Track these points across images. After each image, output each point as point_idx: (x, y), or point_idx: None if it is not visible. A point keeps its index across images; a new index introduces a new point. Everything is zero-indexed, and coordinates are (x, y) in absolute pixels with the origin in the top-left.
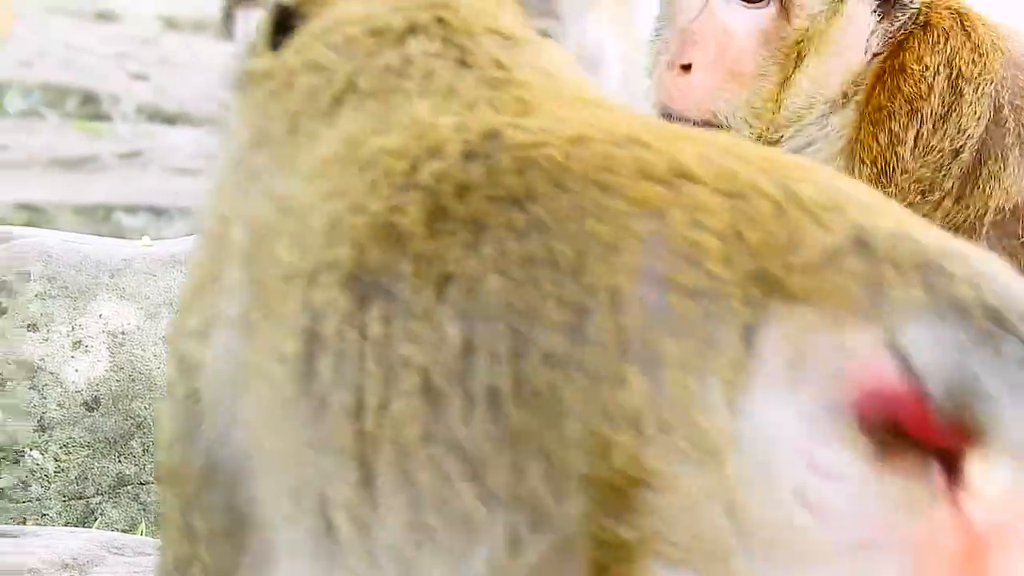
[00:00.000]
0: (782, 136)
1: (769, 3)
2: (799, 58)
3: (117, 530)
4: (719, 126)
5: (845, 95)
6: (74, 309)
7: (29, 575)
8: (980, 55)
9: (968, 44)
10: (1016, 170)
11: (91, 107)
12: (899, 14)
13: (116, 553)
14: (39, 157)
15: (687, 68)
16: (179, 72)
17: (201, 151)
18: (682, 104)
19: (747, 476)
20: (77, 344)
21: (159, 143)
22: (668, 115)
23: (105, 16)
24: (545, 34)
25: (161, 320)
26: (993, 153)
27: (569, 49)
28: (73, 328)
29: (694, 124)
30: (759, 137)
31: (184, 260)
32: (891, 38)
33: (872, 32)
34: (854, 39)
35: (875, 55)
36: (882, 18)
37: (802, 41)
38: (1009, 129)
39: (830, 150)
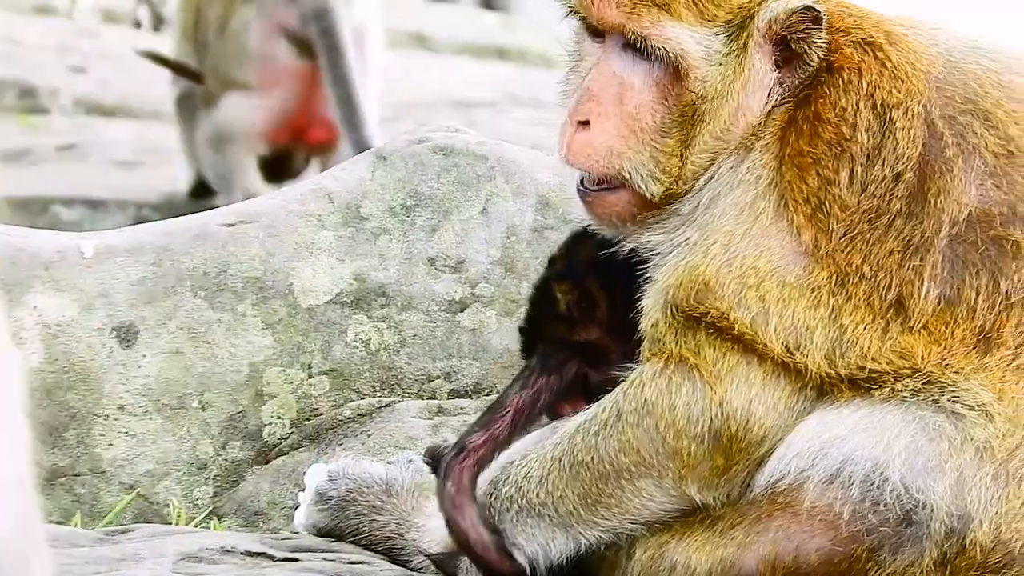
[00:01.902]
0: (691, 188)
1: (660, 59)
2: (697, 116)
3: (51, 522)
4: (623, 181)
5: (747, 144)
6: (9, 301)
7: None
8: (901, 80)
9: (885, 73)
10: (963, 180)
11: (29, 100)
12: (800, 67)
13: (51, 545)
14: None
15: (585, 124)
16: (118, 66)
17: (140, 144)
18: (584, 161)
19: None
20: (13, 336)
21: (97, 136)
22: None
23: (44, 9)
24: (322, 13)
25: (96, 312)
26: (937, 168)
27: (339, 27)
28: (9, 319)
29: (597, 180)
30: (666, 191)
31: (119, 253)
32: (796, 89)
33: (772, 85)
34: (753, 93)
35: (776, 105)
36: (782, 71)
37: (698, 100)
38: (948, 143)
39: (756, 190)
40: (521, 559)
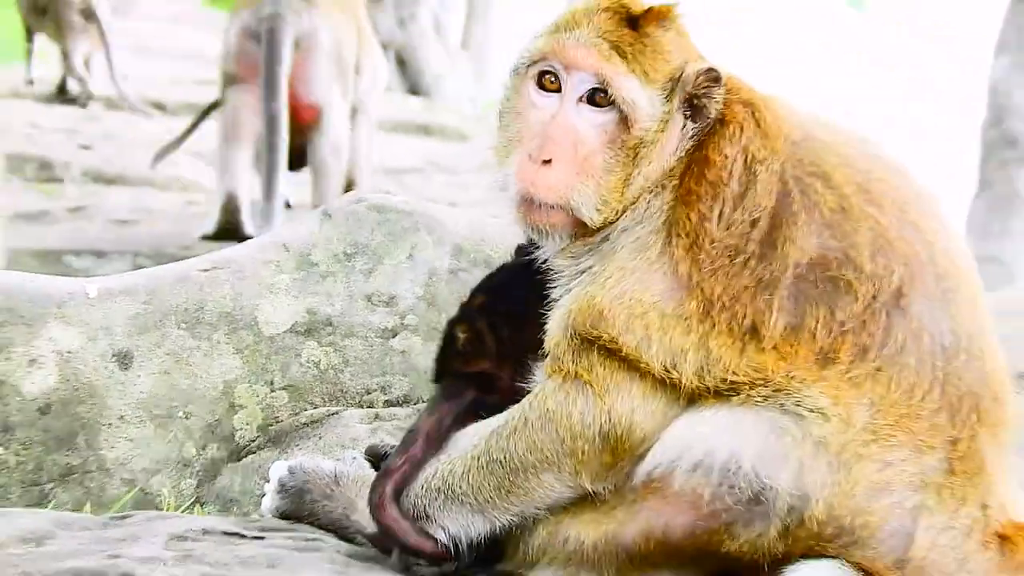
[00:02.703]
0: (620, 217)
1: (611, 111)
2: (636, 159)
3: (67, 510)
4: (572, 209)
5: (663, 183)
6: (29, 333)
7: None
8: (768, 140)
9: (759, 132)
10: (806, 230)
11: (46, 172)
12: (702, 119)
13: (65, 529)
14: (4, 212)
15: (548, 162)
16: (117, 144)
17: (135, 206)
18: (543, 192)
19: None
20: (32, 362)
21: (101, 200)
22: (530, 199)
23: (56, 99)
24: (273, 17)
25: (99, 341)
26: (785, 219)
27: (287, 34)
28: (28, 349)
29: (551, 207)
30: (604, 218)
31: (118, 293)
32: (697, 135)
33: (683, 133)
34: (672, 139)
35: (685, 151)
36: (690, 121)
37: (639, 145)
38: (795, 198)
39: (653, 225)
40: (445, 538)
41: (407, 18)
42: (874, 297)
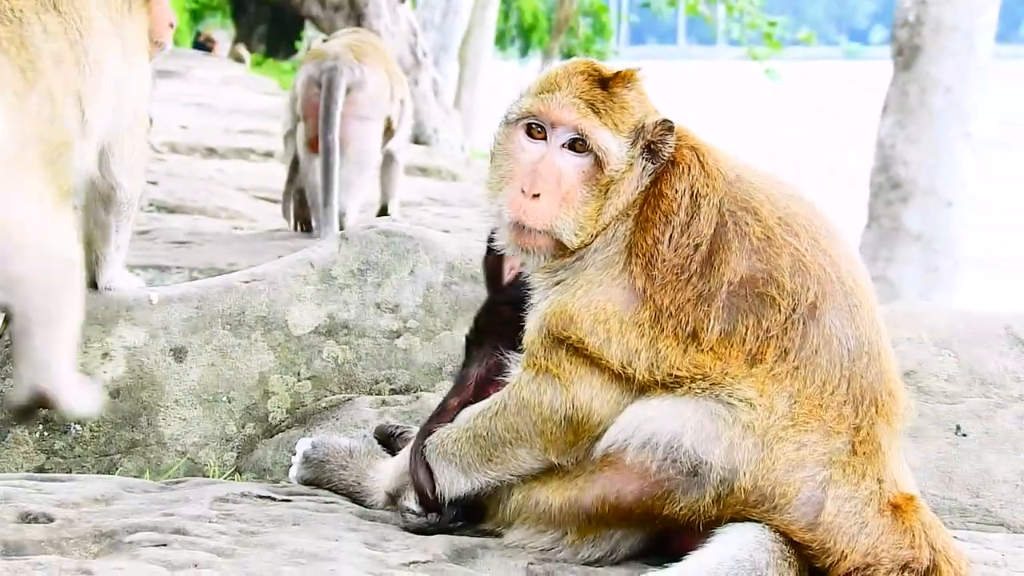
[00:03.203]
0: (593, 240)
1: (588, 155)
2: (607, 193)
3: (130, 476)
4: (556, 234)
5: (626, 212)
6: (103, 332)
7: (72, 507)
8: (710, 179)
9: (703, 172)
10: (738, 255)
11: None
12: (657, 160)
13: (129, 491)
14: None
15: (537, 196)
16: (178, 180)
17: (191, 231)
18: (533, 220)
19: None
20: (105, 355)
21: (164, 225)
22: (521, 225)
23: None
24: (332, 68)
25: (159, 339)
26: (722, 245)
27: (342, 81)
28: (102, 344)
29: (539, 232)
30: (581, 241)
31: (175, 300)
32: (654, 174)
33: (643, 172)
34: (635, 177)
35: (644, 186)
36: (648, 162)
37: (609, 183)
38: (729, 228)
39: (618, 247)
40: (435, 490)
41: (411, 83)
42: (793, 310)
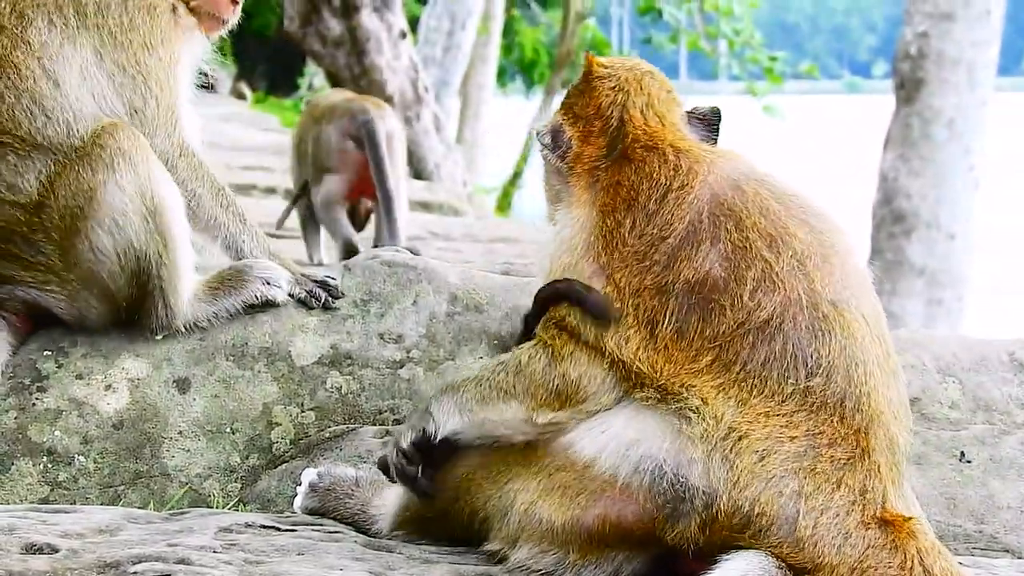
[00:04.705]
0: (555, 222)
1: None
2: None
3: (134, 508)
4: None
5: (585, 200)
6: (107, 364)
7: (77, 538)
8: (679, 176)
9: (666, 166)
10: (703, 257)
11: None
12: (611, 156)
13: (133, 522)
14: None
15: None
16: None
17: (196, 264)
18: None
19: None
20: (108, 387)
21: None
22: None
23: None
24: (369, 122)
25: (163, 370)
26: (689, 243)
27: (382, 133)
28: (106, 376)
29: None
30: (551, 220)
31: (179, 331)
32: (609, 168)
33: (600, 166)
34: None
35: (602, 177)
36: (605, 157)
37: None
38: (705, 230)
39: (578, 229)
40: (432, 429)
41: (413, 118)
42: (740, 323)
